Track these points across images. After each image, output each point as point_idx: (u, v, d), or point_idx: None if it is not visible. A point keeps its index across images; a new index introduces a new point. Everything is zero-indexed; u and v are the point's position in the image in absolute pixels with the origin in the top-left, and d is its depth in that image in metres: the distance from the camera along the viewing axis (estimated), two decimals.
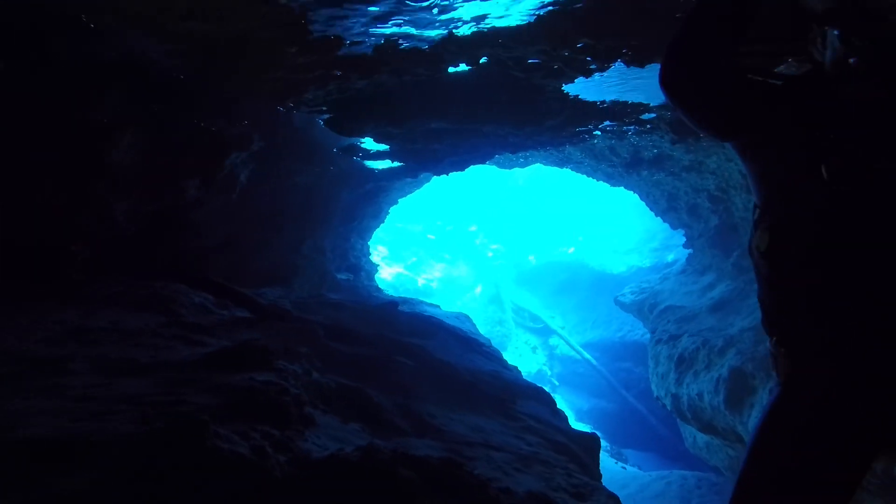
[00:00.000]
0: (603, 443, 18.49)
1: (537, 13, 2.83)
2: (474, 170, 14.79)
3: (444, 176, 9.23)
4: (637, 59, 3.43)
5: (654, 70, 4.11)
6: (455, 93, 4.25)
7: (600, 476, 4.98)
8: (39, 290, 4.76)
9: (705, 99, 1.53)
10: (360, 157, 6.88)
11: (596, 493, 3.60)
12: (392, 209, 13.40)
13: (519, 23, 2.93)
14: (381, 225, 13.18)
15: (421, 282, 23.41)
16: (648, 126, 5.63)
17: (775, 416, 1.68)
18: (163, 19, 2.71)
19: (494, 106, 4.45)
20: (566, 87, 4.34)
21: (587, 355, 18.56)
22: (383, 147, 6.31)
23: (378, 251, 22.48)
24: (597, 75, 3.80)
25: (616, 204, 22.11)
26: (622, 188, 12.28)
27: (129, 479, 1.93)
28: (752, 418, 7.48)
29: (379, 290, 10.75)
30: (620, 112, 5.15)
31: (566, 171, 12.24)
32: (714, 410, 7.82)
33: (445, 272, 23.94)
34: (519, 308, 20.45)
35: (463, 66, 3.71)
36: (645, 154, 9.16)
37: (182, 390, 2.72)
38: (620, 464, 14.65)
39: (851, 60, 1.42)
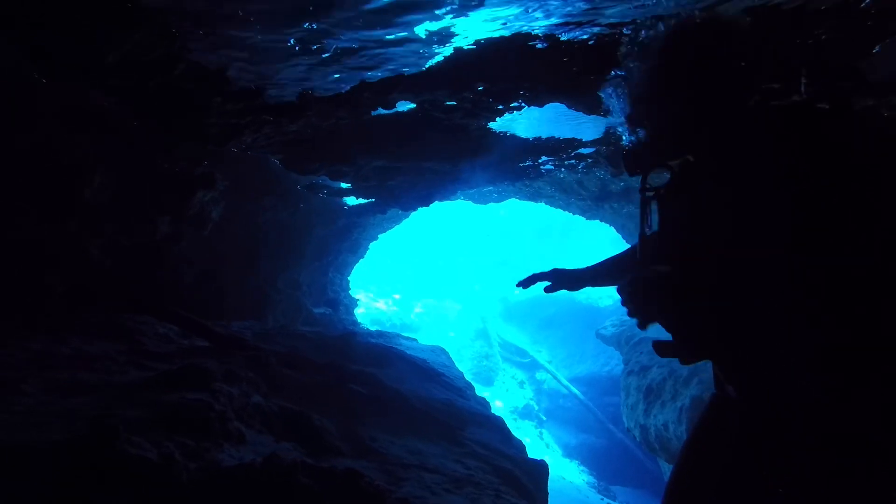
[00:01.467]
0: (590, 479, 18.32)
1: (435, 61, 3.22)
2: (460, 205, 15.20)
3: (416, 212, 9.56)
4: (534, 100, 3.82)
5: (574, 113, 4.52)
6: (390, 132, 4.64)
7: (544, 500, 5.14)
8: (15, 320, 5.05)
9: None
10: (325, 193, 7.25)
11: None
12: (379, 245, 13.77)
13: (419, 71, 3.32)
14: (362, 260, 13.48)
15: (412, 316, 23.61)
16: (590, 160, 6.01)
17: (703, 424, 1.90)
18: (91, 77, 3.08)
19: (428, 144, 4.83)
20: (493, 126, 4.74)
21: (574, 390, 18.59)
22: (345, 185, 6.68)
23: (367, 295, 22.79)
24: (515, 115, 4.19)
25: (604, 237, 22.45)
26: (598, 221, 12.63)
27: (43, 479, 2.19)
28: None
29: (356, 323, 10.97)
30: (555, 147, 5.55)
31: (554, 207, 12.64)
32: (678, 440, 7.96)
33: (434, 308, 24.13)
34: (506, 343, 20.57)
35: (381, 110, 4.11)
36: (612, 187, 9.54)
37: (117, 406, 2.98)
38: (606, 500, 14.55)
39: None
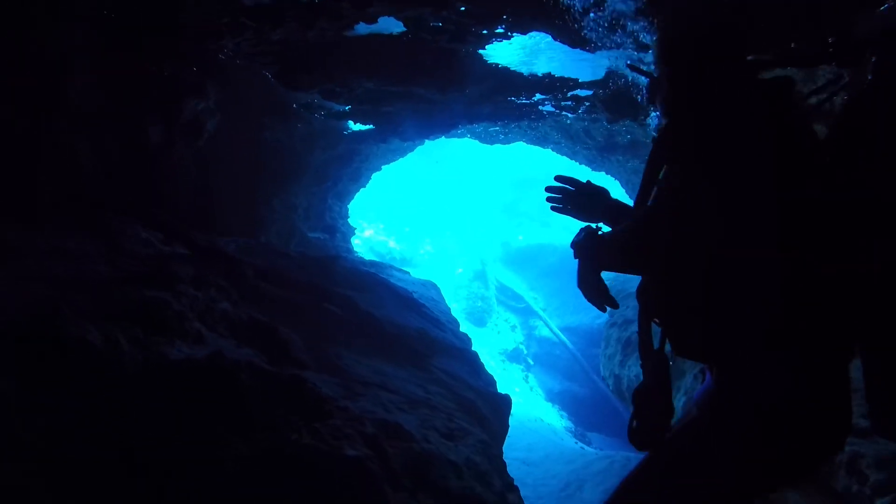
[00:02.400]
0: (568, 424, 18.90)
1: None
2: (469, 146, 14.91)
3: (423, 146, 9.46)
4: (517, 26, 3.69)
5: (572, 51, 4.36)
6: (380, 53, 4.52)
7: (503, 432, 5.32)
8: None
9: None
10: (322, 115, 7.16)
11: (468, 437, 3.93)
12: (385, 178, 13.68)
13: None
14: (367, 192, 13.49)
15: (414, 252, 23.78)
16: (587, 104, 5.85)
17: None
18: None
19: (418, 69, 4.72)
20: (484, 54, 4.60)
21: (564, 338, 18.89)
22: (341, 107, 6.58)
23: (370, 226, 22.87)
24: (505, 43, 4.07)
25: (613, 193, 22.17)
26: (603, 173, 12.47)
27: None
28: (678, 401, 7.82)
29: (350, 251, 11.07)
30: (550, 86, 5.41)
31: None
32: None
33: (436, 246, 24.26)
34: (503, 286, 20.77)
35: (365, 26, 3.98)
36: (619, 139, 9.35)
37: (77, 298, 3.06)
38: (581, 444, 15.07)
39: None
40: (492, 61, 4.82)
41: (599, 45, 3.44)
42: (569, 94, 5.55)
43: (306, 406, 2.75)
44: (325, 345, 4.80)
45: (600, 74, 5.07)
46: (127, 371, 2.47)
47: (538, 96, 5.68)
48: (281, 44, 4.36)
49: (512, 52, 4.46)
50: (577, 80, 5.26)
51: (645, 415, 1.83)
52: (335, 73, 5.01)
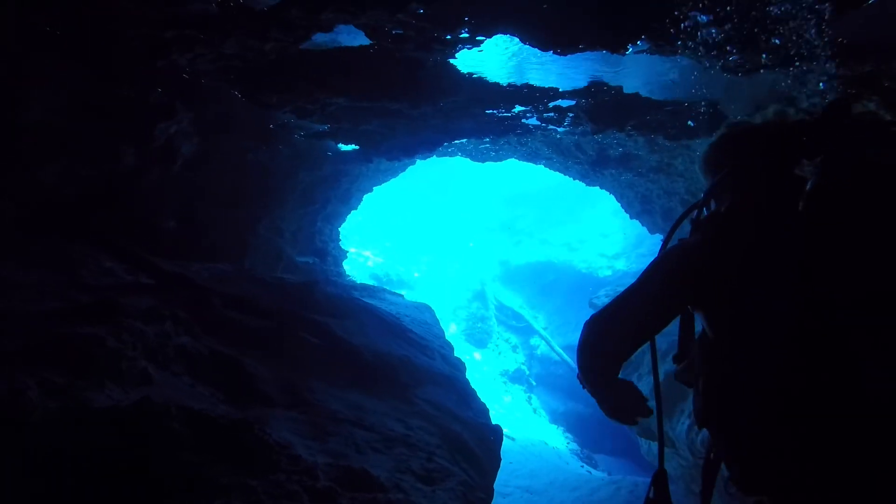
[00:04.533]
0: (573, 446, 18.30)
1: None
2: (464, 165, 14.67)
3: (415, 166, 9.20)
4: (482, 29, 3.43)
5: (550, 57, 4.09)
6: (347, 67, 4.27)
7: (494, 467, 4.94)
8: None
9: None
10: (301, 135, 6.91)
11: (449, 479, 3.58)
12: (382, 201, 13.36)
13: None
14: (364, 215, 13.20)
15: (414, 274, 23.46)
16: (571, 115, 5.58)
17: None
18: None
19: (387, 82, 4.46)
20: (455, 63, 4.34)
21: (567, 357, 18.44)
22: (318, 127, 6.33)
23: (366, 250, 22.60)
24: (475, 51, 3.81)
25: (608, 208, 21.94)
26: (598, 188, 12.19)
27: None
28: (682, 424, 7.43)
29: (341, 274, 10.76)
30: (530, 96, 5.15)
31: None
32: None
33: (434, 267, 23.95)
34: (502, 306, 20.39)
35: (323, 36, 3.71)
36: (611, 152, 9.08)
37: (3, 335, 2.75)
38: (586, 467, 14.56)
39: None
40: (464, 71, 4.56)
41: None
42: (550, 104, 5.28)
43: (249, 457, 2.41)
44: (298, 377, 4.46)
45: (583, 82, 4.79)
46: (35, 423, 2.14)
47: (518, 108, 5.42)
48: (239, 59, 4.11)
49: (483, 60, 4.21)
50: (556, 89, 4.99)
51: None
52: (303, 89, 4.74)
